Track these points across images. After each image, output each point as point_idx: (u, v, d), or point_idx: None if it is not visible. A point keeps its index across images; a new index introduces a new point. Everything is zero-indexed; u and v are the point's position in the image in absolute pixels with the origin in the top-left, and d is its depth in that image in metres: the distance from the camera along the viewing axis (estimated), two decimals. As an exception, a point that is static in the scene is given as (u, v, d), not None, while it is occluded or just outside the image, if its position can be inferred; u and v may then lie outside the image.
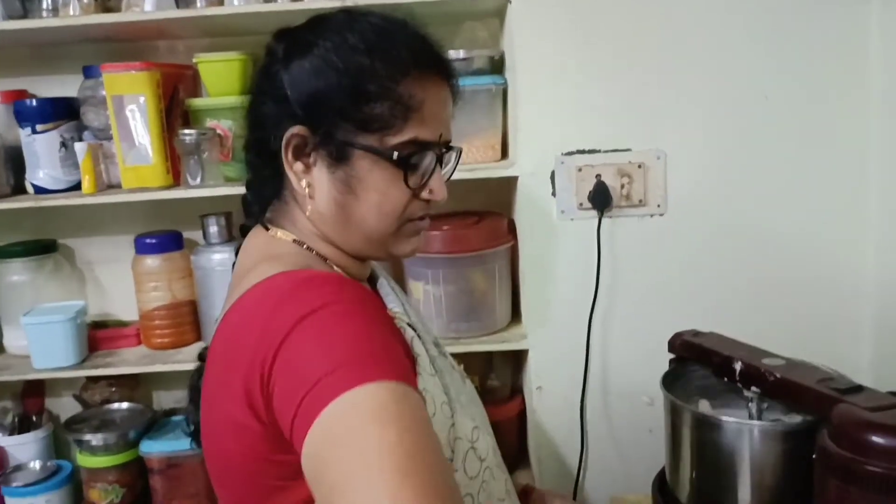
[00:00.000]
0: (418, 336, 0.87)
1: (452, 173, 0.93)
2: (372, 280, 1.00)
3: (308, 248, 0.86)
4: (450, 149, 0.89)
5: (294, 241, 0.86)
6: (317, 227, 0.86)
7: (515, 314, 1.64)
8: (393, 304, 0.93)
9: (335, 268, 0.87)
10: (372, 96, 0.79)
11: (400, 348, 0.77)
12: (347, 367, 0.66)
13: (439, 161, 0.86)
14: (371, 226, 0.84)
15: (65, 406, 1.81)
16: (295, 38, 0.83)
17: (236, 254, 0.93)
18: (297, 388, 0.66)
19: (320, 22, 0.84)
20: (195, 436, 0.92)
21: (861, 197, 1.46)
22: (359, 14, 0.84)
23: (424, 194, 0.85)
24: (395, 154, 0.80)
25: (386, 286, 0.99)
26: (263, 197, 0.91)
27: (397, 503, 0.57)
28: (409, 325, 0.87)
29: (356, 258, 0.89)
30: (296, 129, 0.81)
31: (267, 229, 0.88)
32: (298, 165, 0.83)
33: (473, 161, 1.55)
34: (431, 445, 0.64)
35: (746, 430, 1.05)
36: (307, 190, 0.83)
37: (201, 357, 0.95)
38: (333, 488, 0.60)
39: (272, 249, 0.85)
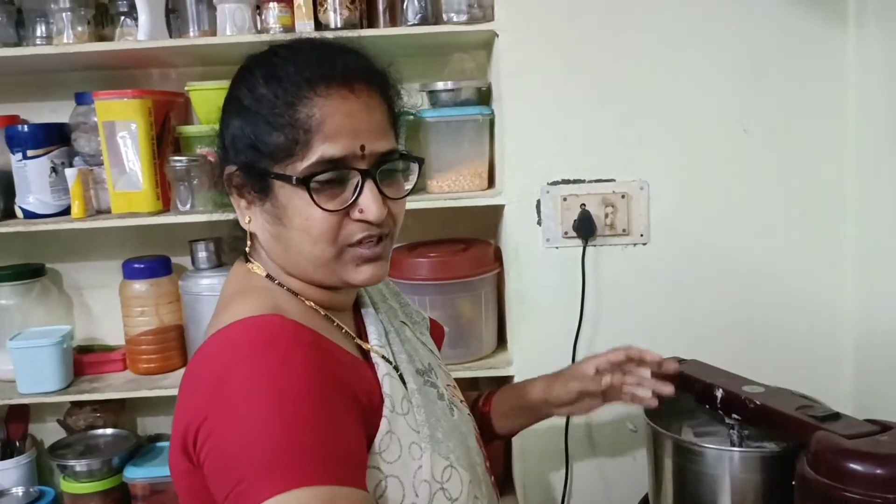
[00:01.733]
0: (395, 368, 0.87)
1: (413, 185, 0.89)
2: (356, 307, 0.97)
3: (279, 283, 0.86)
4: (392, 159, 0.84)
5: (267, 275, 0.86)
6: (273, 261, 0.86)
7: (501, 341, 1.65)
8: (373, 335, 0.91)
9: (306, 302, 0.86)
10: (273, 126, 0.78)
11: (348, 423, 0.74)
12: (274, 467, 0.65)
13: (369, 176, 0.80)
14: (308, 253, 0.82)
15: (49, 431, 1.80)
16: (230, 84, 0.86)
17: None
18: (224, 477, 0.67)
19: (245, 62, 0.85)
20: None
21: (839, 227, 1.50)
22: (275, 47, 0.84)
23: (355, 215, 0.81)
24: (295, 179, 0.78)
25: (372, 315, 0.95)
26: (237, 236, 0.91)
27: None
28: (384, 358, 0.87)
29: (325, 288, 0.87)
30: (228, 169, 0.83)
31: (248, 261, 0.89)
32: (242, 203, 0.84)
33: (460, 189, 1.57)
34: None
35: (727, 457, 1.07)
36: (249, 226, 0.85)
37: None
38: None
39: (248, 283, 0.86)
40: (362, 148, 0.80)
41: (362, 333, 0.92)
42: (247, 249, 0.89)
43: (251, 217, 0.84)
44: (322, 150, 0.78)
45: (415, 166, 0.89)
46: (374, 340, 0.90)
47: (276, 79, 0.79)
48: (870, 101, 1.42)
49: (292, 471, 0.65)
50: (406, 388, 0.87)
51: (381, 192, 0.81)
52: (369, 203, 0.80)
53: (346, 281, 0.84)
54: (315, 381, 0.72)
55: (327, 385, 0.73)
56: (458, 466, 0.86)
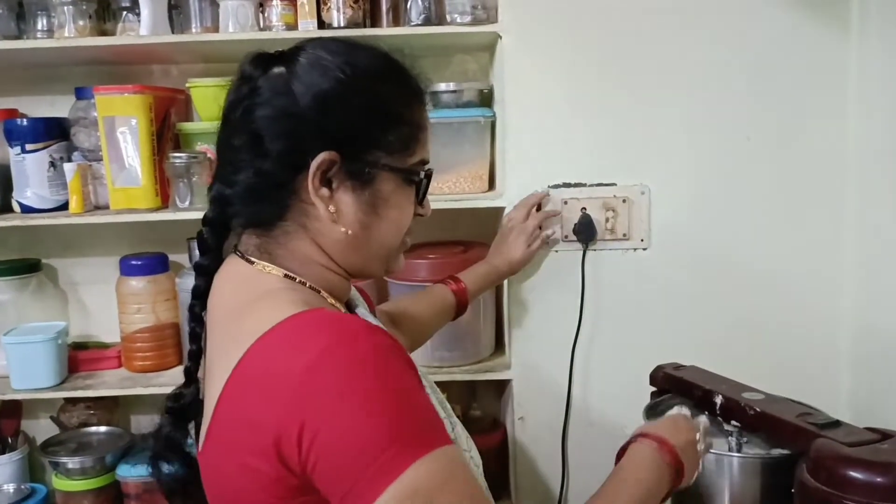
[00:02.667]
0: None
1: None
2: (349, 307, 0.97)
3: (301, 281, 0.83)
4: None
5: (285, 275, 0.83)
6: (331, 253, 0.84)
7: (499, 344, 1.65)
8: None
9: (328, 300, 0.85)
10: (395, 121, 0.84)
11: (426, 395, 0.76)
12: (398, 444, 0.67)
13: (428, 180, 0.90)
14: (388, 242, 0.87)
15: (41, 428, 1.78)
16: (304, 63, 0.82)
17: (197, 294, 0.88)
18: (345, 471, 0.67)
19: (322, 48, 0.83)
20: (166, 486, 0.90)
21: (839, 235, 1.49)
22: (355, 44, 0.85)
23: (420, 211, 0.90)
24: (422, 172, 0.87)
25: (363, 313, 0.98)
26: (254, 225, 0.86)
27: None
28: None
29: (350, 278, 0.89)
30: (326, 155, 0.80)
31: (250, 262, 0.84)
32: (324, 191, 0.81)
33: (461, 191, 1.56)
34: (479, 490, 0.74)
35: (726, 462, 1.06)
36: (334, 215, 0.82)
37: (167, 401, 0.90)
38: None
39: (265, 285, 0.82)
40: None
41: None
42: (244, 248, 0.85)
43: (336, 206, 0.82)
44: (423, 152, 0.87)
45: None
46: None
47: (395, 79, 0.85)
48: (871, 111, 1.42)
49: (411, 444, 0.68)
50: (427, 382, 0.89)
51: None
52: (428, 203, 0.91)
53: (392, 269, 0.92)
54: (391, 358, 0.73)
55: (401, 359, 0.74)
56: (473, 452, 0.92)
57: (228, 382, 0.75)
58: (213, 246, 0.87)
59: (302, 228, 0.83)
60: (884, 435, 0.96)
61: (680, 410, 1.05)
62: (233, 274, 0.85)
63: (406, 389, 0.72)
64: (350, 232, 0.83)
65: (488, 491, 0.83)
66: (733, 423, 1.10)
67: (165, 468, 0.89)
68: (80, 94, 1.62)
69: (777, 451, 1.07)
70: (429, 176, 0.89)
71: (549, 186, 1.50)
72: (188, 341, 0.89)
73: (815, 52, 1.46)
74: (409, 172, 0.85)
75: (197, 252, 1.62)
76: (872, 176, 1.43)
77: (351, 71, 0.81)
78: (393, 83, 0.85)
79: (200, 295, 0.87)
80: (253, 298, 0.80)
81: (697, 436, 0.96)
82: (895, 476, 0.87)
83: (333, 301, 0.86)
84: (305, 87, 0.80)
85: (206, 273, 0.87)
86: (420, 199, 0.88)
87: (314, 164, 0.79)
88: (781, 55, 1.46)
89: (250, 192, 0.82)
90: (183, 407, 0.87)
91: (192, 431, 0.88)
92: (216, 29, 1.55)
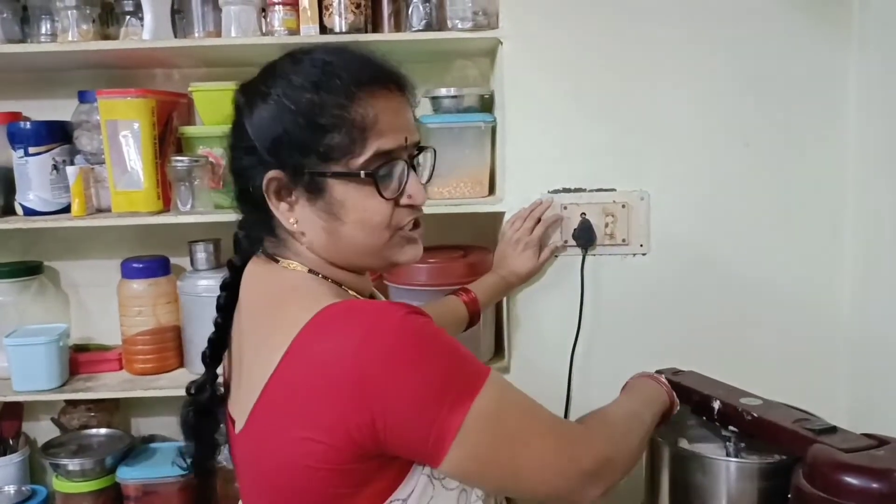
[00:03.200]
0: None
1: (432, 174, 0.97)
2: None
3: (323, 276, 0.90)
4: (421, 149, 0.93)
5: (309, 271, 0.90)
6: (319, 255, 0.90)
7: (499, 348, 1.65)
8: None
9: (350, 292, 0.92)
10: (327, 128, 0.84)
11: (456, 340, 0.85)
12: (454, 391, 0.78)
13: (411, 165, 0.90)
14: (361, 242, 0.88)
15: (42, 430, 1.79)
16: (252, 89, 0.88)
17: (224, 286, 0.97)
18: (421, 427, 0.77)
19: (270, 70, 0.88)
20: (197, 469, 1.00)
21: (837, 240, 1.50)
22: (302, 54, 0.88)
23: (404, 200, 0.89)
24: (362, 172, 0.85)
25: None
26: (257, 236, 0.94)
27: (560, 447, 0.86)
28: None
29: (359, 273, 0.94)
30: (271, 174, 0.85)
31: (276, 261, 0.91)
32: (283, 206, 0.87)
33: (461, 196, 1.57)
34: (528, 398, 0.86)
35: (724, 467, 1.06)
36: (296, 226, 0.88)
37: (189, 391, 0.98)
38: (511, 462, 0.82)
39: (291, 281, 0.89)
40: (405, 140, 0.88)
41: None
42: (269, 249, 0.92)
43: (296, 218, 0.87)
44: (377, 144, 0.85)
45: (430, 156, 0.97)
46: None
47: (325, 84, 0.84)
48: (870, 118, 1.43)
49: (466, 387, 0.79)
50: None
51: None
52: (416, 189, 0.89)
53: (394, 261, 0.92)
54: (422, 324, 0.81)
55: (430, 322, 0.82)
56: None
57: (280, 366, 0.81)
58: (245, 247, 0.95)
59: (292, 237, 0.90)
60: (880, 441, 0.97)
61: None
62: (260, 271, 0.92)
63: (443, 347, 0.81)
64: (315, 240, 0.88)
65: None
66: (731, 428, 1.11)
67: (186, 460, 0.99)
68: (83, 97, 1.63)
69: (774, 457, 1.07)
70: (409, 161, 0.89)
71: (548, 192, 1.51)
72: (213, 332, 0.97)
73: (815, 59, 1.47)
74: (356, 174, 0.85)
75: (200, 256, 1.66)
76: (871, 183, 1.43)
77: (283, 91, 0.85)
78: (325, 90, 0.84)
79: (227, 287, 0.96)
80: (284, 291, 0.88)
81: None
82: (891, 482, 0.87)
83: (356, 294, 0.92)
84: (250, 113, 0.86)
85: (234, 269, 0.96)
86: (400, 189, 0.88)
87: (263, 184, 0.86)
88: (781, 62, 1.47)
89: (242, 210, 0.93)
90: (208, 398, 0.95)
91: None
92: (219, 33, 1.55)
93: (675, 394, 1.14)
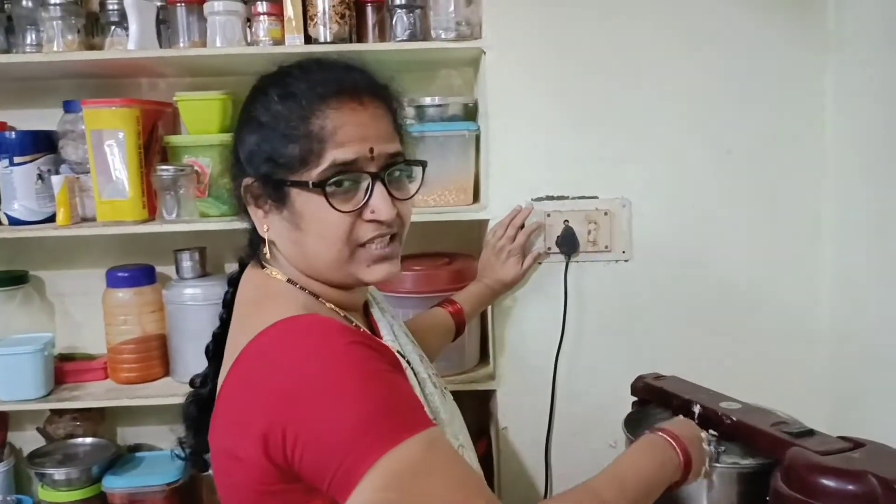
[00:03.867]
0: (408, 363, 0.94)
1: (420, 186, 0.96)
2: (366, 307, 1.05)
3: (301, 287, 0.91)
4: (398, 162, 0.90)
5: (288, 280, 0.91)
6: (292, 265, 0.92)
7: (483, 355, 1.66)
8: (385, 332, 1.00)
9: (327, 304, 0.92)
10: (289, 139, 0.85)
11: (406, 385, 0.83)
12: (374, 432, 0.72)
13: (378, 178, 0.87)
14: (324, 255, 0.88)
15: (27, 439, 1.78)
16: (244, 103, 0.92)
17: (230, 282, 1.00)
18: (327, 463, 0.72)
19: (257, 81, 0.92)
20: (194, 461, 1.00)
21: (817, 246, 1.52)
22: (285, 68, 0.90)
23: (367, 215, 0.87)
24: (311, 183, 0.85)
25: (378, 313, 1.04)
26: (256, 241, 0.96)
27: None
28: (398, 352, 0.93)
29: (341, 288, 0.94)
30: (246, 181, 0.89)
31: (263, 267, 0.94)
32: (260, 213, 0.90)
33: (445, 203, 1.58)
34: (467, 471, 0.76)
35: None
36: (268, 234, 0.90)
37: (192, 384, 1.01)
38: None
39: (270, 288, 0.91)
40: (371, 150, 0.86)
41: (375, 332, 0.99)
42: (266, 255, 0.93)
43: (269, 225, 0.89)
44: (334, 155, 0.84)
45: (419, 170, 0.95)
46: (387, 336, 0.99)
47: (290, 96, 0.86)
48: (847, 124, 1.45)
49: (390, 432, 0.73)
50: (418, 378, 0.94)
51: (389, 193, 0.88)
52: (380, 203, 0.86)
53: (361, 279, 0.90)
54: (371, 356, 0.79)
55: (380, 358, 0.80)
56: (466, 447, 0.97)
57: (227, 378, 0.84)
58: (250, 250, 0.98)
59: (274, 245, 0.92)
60: (856, 444, 0.98)
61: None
62: (250, 275, 0.96)
63: (382, 382, 0.77)
64: (284, 249, 0.91)
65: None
66: (711, 431, 1.12)
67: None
68: (68, 107, 1.63)
69: (752, 460, 1.08)
70: (375, 174, 0.86)
71: (532, 199, 1.52)
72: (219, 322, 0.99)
73: (793, 66, 1.49)
74: (313, 184, 0.84)
75: (186, 265, 1.66)
76: (848, 188, 1.46)
77: (258, 102, 0.88)
78: (285, 102, 0.86)
79: (233, 283, 0.99)
80: (260, 297, 0.90)
81: (704, 435, 1.03)
82: (866, 484, 0.89)
83: (332, 306, 0.92)
84: (238, 126, 0.91)
85: (242, 267, 0.99)
86: (363, 202, 0.86)
87: (241, 189, 0.90)
88: (759, 70, 1.49)
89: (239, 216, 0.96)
90: (209, 391, 0.96)
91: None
92: (204, 43, 1.56)
93: (691, 460, 0.98)
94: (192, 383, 1.01)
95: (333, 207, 0.85)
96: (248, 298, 0.92)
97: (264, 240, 0.92)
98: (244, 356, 0.82)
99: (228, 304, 0.98)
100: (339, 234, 0.86)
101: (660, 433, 0.99)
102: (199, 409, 0.98)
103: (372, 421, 0.73)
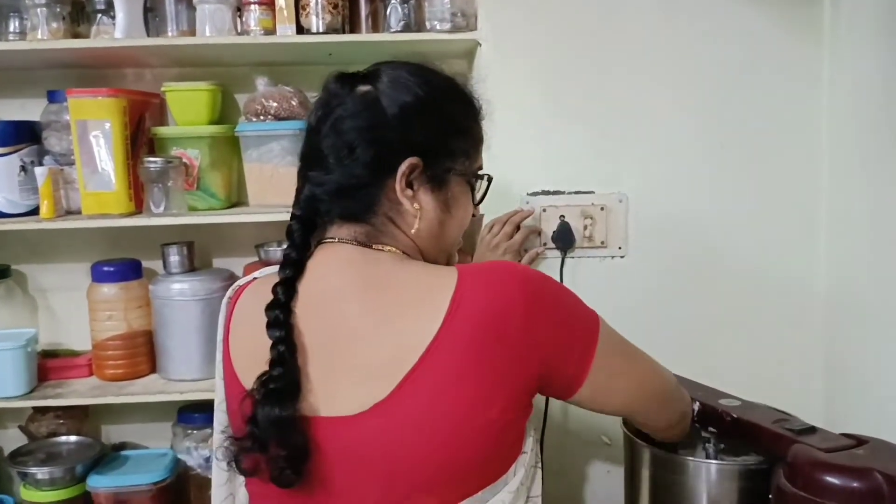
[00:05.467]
0: None
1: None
2: None
3: (414, 258, 0.95)
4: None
5: (403, 252, 0.93)
6: (417, 242, 0.94)
7: (477, 352, 1.64)
8: None
9: None
10: (464, 133, 0.97)
11: None
12: (588, 319, 0.91)
13: (489, 183, 1.03)
14: (454, 237, 0.99)
15: (9, 438, 1.74)
16: (387, 82, 0.93)
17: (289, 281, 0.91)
18: (573, 349, 0.89)
19: (401, 69, 0.95)
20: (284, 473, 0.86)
21: (813, 240, 1.52)
22: (426, 66, 0.98)
23: (474, 211, 1.02)
24: (475, 176, 0.98)
25: None
26: (343, 221, 0.93)
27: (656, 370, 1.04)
28: None
29: None
30: (412, 161, 0.91)
31: (369, 247, 0.92)
32: (408, 191, 0.92)
33: (480, 213, 1.55)
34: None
35: (704, 469, 1.07)
36: (418, 212, 0.92)
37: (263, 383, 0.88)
38: (637, 381, 1.00)
39: (392, 260, 0.92)
40: None
41: None
42: (349, 235, 0.92)
43: (419, 204, 0.92)
44: (481, 158, 1.00)
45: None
46: None
47: (467, 96, 0.99)
48: (843, 116, 1.45)
49: (591, 314, 0.93)
50: None
51: None
52: (479, 207, 1.04)
53: (451, 263, 1.01)
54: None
55: None
56: None
57: (444, 329, 0.83)
58: (300, 239, 0.93)
59: (391, 222, 0.93)
60: (859, 440, 0.97)
61: None
62: (341, 258, 0.92)
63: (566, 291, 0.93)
64: (427, 227, 0.94)
65: None
66: (710, 429, 1.11)
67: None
68: (53, 97, 1.59)
69: (754, 458, 1.07)
70: (489, 180, 1.02)
71: (527, 194, 1.51)
72: (273, 328, 0.87)
73: (788, 60, 1.49)
74: (473, 176, 0.98)
75: (173, 259, 1.61)
76: (844, 181, 1.45)
77: (429, 89, 0.94)
78: (462, 101, 0.98)
79: (289, 282, 0.91)
80: (394, 271, 0.90)
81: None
82: (871, 481, 0.88)
83: None
84: (392, 102, 0.91)
85: (295, 263, 0.92)
86: (479, 200, 1.02)
87: (402, 168, 0.90)
88: (754, 63, 1.49)
89: (343, 191, 0.92)
90: (285, 387, 0.86)
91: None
92: (193, 33, 1.53)
93: None
94: (267, 393, 0.86)
95: (472, 200, 0.99)
96: (364, 273, 0.89)
97: (368, 219, 0.91)
98: (457, 309, 0.83)
99: (291, 282, 0.90)
100: (467, 222, 0.99)
101: None
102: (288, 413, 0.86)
103: (582, 309, 0.92)
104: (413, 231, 0.93)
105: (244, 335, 0.95)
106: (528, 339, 0.84)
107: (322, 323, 0.89)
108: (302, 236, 0.93)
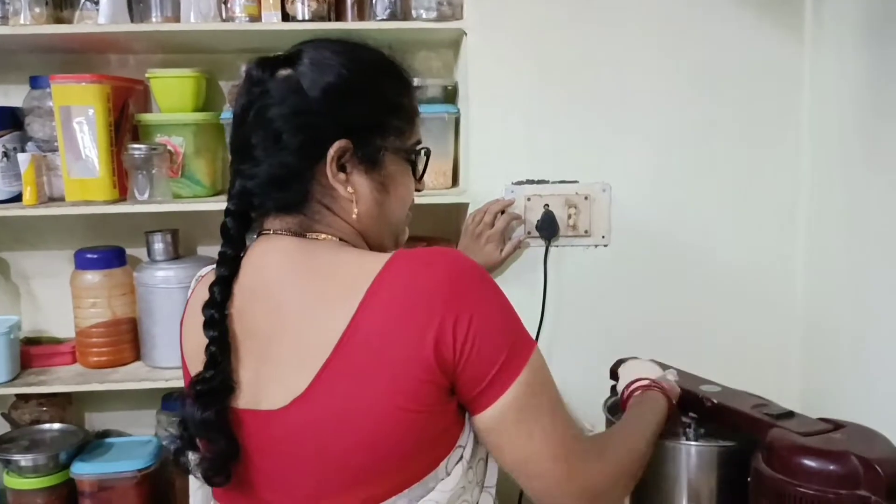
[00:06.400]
0: None
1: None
2: None
3: (353, 245, 0.91)
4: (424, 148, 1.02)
5: (340, 239, 0.90)
6: (356, 227, 0.92)
7: (461, 340, 1.65)
8: None
9: None
10: (395, 108, 0.93)
11: None
12: (524, 335, 0.85)
13: (427, 157, 1.00)
14: (398, 217, 0.96)
15: (-9, 425, 1.74)
16: (308, 63, 0.89)
17: (225, 279, 0.90)
18: (498, 346, 0.81)
19: (323, 48, 0.91)
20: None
21: (791, 232, 1.54)
22: (350, 42, 0.94)
23: (418, 186, 0.99)
24: (413, 152, 0.95)
25: None
26: (275, 212, 0.90)
27: (567, 423, 0.88)
28: None
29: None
30: (340, 143, 0.88)
31: (303, 236, 0.89)
32: (341, 175, 0.89)
33: (425, 187, 1.56)
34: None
35: (684, 451, 1.08)
36: (353, 196, 0.90)
37: (192, 384, 0.88)
38: (537, 423, 0.84)
39: (330, 248, 0.89)
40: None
41: None
42: (282, 225, 0.90)
43: (353, 188, 0.90)
44: (417, 134, 0.97)
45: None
46: None
47: (394, 73, 0.95)
48: (823, 112, 1.47)
49: (529, 338, 0.86)
50: None
51: None
52: (425, 180, 1.02)
53: (401, 242, 1.00)
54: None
55: None
56: None
57: (357, 315, 0.80)
58: (236, 235, 0.92)
59: (326, 209, 0.90)
60: (836, 425, 0.99)
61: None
62: (278, 249, 0.89)
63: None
64: (366, 210, 0.91)
65: None
66: (690, 414, 1.13)
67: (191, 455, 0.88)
68: (35, 83, 1.58)
69: (732, 442, 1.09)
70: (428, 154, 0.99)
71: (512, 183, 1.51)
72: (207, 327, 0.87)
73: (770, 57, 1.50)
74: (409, 152, 0.95)
75: (157, 246, 1.60)
76: (824, 176, 1.47)
77: (353, 66, 0.90)
78: (390, 75, 0.94)
79: (225, 280, 0.90)
80: (332, 257, 0.87)
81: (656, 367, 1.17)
82: (848, 464, 0.90)
83: None
84: (314, 85, 0.88)
85: (231, 261, 0.91)
86: (421, 175, 0.99)
87: (331, 151, 0.87)
88: (736, 59, 1.50)
89: (274, 182, 0.89)
90: (215, 389, 0.86)
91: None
92: (177, 19, 1.52)
93: (671, 387, 1.11)
94: (197, 393, 0.87)
95: (415, 178, 0.97)
96: (307, 265, 0.87)
97: (303, 209, 0.89)
98: (375, 294, 0.80)
99: (223, 301, 0.88)
100: (411, 199, 0.98)
101: (645, 391, 1.10)
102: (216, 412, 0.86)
103: (521, 326, 0.85)
104: (354, 216, 0.90)
105: (194, 327, 0.90)
106: (436, 323, 0.78)
107: (260, 315, 0.87)
108: (237, 232, 0.91)
